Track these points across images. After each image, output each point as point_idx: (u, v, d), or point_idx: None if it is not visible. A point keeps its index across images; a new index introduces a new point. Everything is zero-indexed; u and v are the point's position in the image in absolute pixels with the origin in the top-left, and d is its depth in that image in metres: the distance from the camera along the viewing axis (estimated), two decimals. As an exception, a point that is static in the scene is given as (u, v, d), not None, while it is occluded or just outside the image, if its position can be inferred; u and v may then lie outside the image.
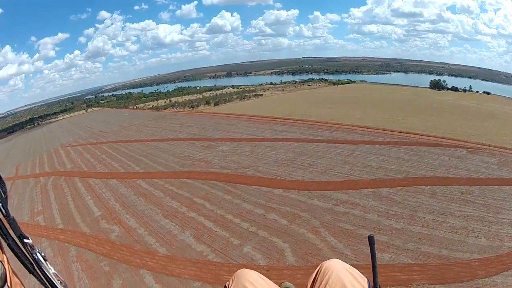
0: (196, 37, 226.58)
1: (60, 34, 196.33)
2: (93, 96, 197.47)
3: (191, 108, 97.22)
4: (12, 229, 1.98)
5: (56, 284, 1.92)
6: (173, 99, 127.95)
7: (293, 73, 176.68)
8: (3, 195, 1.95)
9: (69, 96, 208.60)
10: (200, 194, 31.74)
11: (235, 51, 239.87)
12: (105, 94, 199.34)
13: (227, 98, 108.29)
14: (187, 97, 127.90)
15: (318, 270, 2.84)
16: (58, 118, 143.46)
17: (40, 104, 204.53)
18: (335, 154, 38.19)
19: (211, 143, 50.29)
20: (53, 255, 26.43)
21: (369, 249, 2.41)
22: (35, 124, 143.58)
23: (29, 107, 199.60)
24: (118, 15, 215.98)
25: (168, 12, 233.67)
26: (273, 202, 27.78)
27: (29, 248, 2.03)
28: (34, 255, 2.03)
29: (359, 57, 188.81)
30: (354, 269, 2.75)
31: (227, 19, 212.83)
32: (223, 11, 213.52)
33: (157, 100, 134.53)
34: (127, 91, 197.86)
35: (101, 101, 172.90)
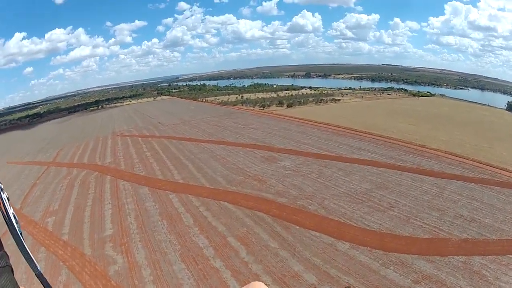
0: (277, 34, 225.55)
1: (137, 22, 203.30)
2: (167, 84, 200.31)
3: (262, 108, 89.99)
4: None
5: (13, 221, 2.03)
6: (246, 95, 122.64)
7: (373, 80, 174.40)
8: None
9: (144, 82, 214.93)
10: (238, 231, 24.20)
11: (315, 52, 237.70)
12: (180, 83, 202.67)
13: (302, 100, 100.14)
14: (260, 95, 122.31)
15: None
16: (124, 103, 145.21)
17: (113, 86, 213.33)
18: (421, 191, 29.70)
19: (273, 154, 42.65)
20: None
21: None
22: (99, 106, 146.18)
23: (101, 88, 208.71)
24: (198, 7, 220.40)
25: (248, 8, 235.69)
26: (333, 264, 19.82)
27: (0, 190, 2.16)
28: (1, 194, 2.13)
29: (437, 69, 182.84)
30: None
31: (308, 19, 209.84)
32: (305, 10, 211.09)
33: (229, 94, 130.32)
34: (203, 82, 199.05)
35: (173, 90, 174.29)
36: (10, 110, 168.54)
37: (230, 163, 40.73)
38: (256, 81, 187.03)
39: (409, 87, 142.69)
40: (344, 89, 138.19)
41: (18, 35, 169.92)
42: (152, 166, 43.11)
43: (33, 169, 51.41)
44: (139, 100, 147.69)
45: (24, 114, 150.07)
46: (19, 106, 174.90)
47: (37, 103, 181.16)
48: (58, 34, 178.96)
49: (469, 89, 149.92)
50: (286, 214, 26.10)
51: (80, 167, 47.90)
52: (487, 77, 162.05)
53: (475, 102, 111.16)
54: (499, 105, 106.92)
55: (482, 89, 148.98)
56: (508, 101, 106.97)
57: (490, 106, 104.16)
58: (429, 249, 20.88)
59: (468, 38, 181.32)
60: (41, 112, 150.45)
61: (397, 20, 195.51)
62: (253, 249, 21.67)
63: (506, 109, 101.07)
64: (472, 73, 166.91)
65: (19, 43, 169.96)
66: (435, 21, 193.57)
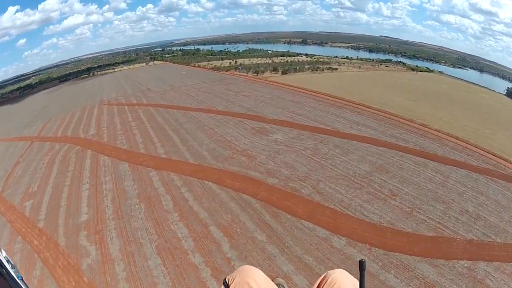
0: (274, 1, 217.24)
1: None
2: (161, 49, 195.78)
3: (255, 74, 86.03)
4: None
5: (6, 266, 1.86)
6: (240, 60, 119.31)
7: (370, 51, 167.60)
8: None
9: (138, 47, 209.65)
10: (222, 219, 21.38)
11: (313, 20, 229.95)
12: (174, 48, 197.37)
13: (297, 67, 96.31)
14: (255, 60, 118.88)
15: (323, 281, 2.82)
16: (116, 70, 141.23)
17: (107, 53, 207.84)
18: (424, 178, 26.96)
19: (265, 125, 39.58)
20: (19, 267, 19.06)
21: (359, 274, 2.58)
22: (91, 74, 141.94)
23: (94, 55, 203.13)
24: None
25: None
26: (328, 265, 17.14)
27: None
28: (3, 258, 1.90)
29: (436, 45, 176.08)
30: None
31: None
32: None
33: (222, 59, 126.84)
34: (197, 47, 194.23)
35: (166, 55, 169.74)
36: (3, 84, 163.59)
37: (218, 134, 37.78)
38: (251, 46, 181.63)
39: (407, 61, 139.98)
40: (341, 58, 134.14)
41: (11, 9, 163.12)
42: (135, 138, 40.21)
43: (18, 146, 48.41)
44: (131, 66, 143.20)
45: (16, 86, 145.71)
46: (12, 79, 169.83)
47: (30, 74, 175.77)
48: (51, 4, 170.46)
49: (468, 69, 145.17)
50: (276, 199, 23.18)
51: (63, 141, 45.04)
52: (486, 59, 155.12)
53: (474, 83, 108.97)
54: (498, 89, 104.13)
55: (480, 70, 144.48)
56: (508, 87, 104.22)
57: (489, 89, 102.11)
58: (433, 250, 18.37)
59: (468, 19, 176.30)
60: (33, 83, 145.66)
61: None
62: (237, 242, 18.90)
63: (505, 95, 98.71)
64: (471, 54, 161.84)
65: (12, 17, 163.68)
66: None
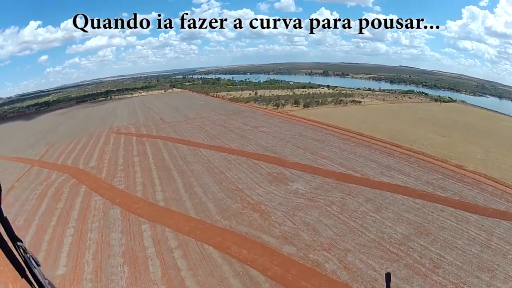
0: (294, 31, 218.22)
1: (154, 13, 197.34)
2: (182, 77, 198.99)
3: (276, 107, 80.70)
4: (4, 229, 1.91)
5: None
6: (260, 91, 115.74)
7: (391, 81, 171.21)
8: None
9: (160, 73, 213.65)
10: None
11: (333, 51, 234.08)
12: (195, 76, 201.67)
13: (320, 100, 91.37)
14: (276, 92, 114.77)
15: None
16: (134, 95, 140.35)
17: (129, 77, 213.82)
18: (468, 239, 22.18)
19: (284, 170, 34.84)
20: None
21: (385, 285, 2.76)
22: (108, 97, 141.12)
23: (116, 78, 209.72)
24: (216, 1, 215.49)
25: (266, 4, 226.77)
26: None
27: (22, 252, 1.92)
28: (27, 259, 1.92)
29: (455, 73, 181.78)
30: None
31: (327, 17, 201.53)
32: (323, 8, 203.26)
33: (242, 90, 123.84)
34: (218, 76, 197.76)
35: (187, 83, 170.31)
36: (23, 97, 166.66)
37: (228, 180, 33.07)
38: (272, 77, 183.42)
39: (429, 91, 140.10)
40: (364, 89, 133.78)
41: (33, 24, 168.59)
42: (135, 177, 36.01)
43: (17, 167, 45.76)
44: (150, 92, 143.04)
45: (34, 101, 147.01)
46: (32, 94, 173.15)
47: (50, 91, 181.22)
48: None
49: (488, 96, 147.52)
50: (291, 277, 17.97)
51: (61, 170, 41.49)
52: (504, 84, 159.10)
53: (496, 111, 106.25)
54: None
55: (499, 97, 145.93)
56: None
57: (511, 116, 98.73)
58: None
59: (484, 44, 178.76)
60: (51, 100, 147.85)
61: (414, 22, 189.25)
62: None
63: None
64: (489, 80, 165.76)
65: (34, 32, 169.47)
66: (453, 25, 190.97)
